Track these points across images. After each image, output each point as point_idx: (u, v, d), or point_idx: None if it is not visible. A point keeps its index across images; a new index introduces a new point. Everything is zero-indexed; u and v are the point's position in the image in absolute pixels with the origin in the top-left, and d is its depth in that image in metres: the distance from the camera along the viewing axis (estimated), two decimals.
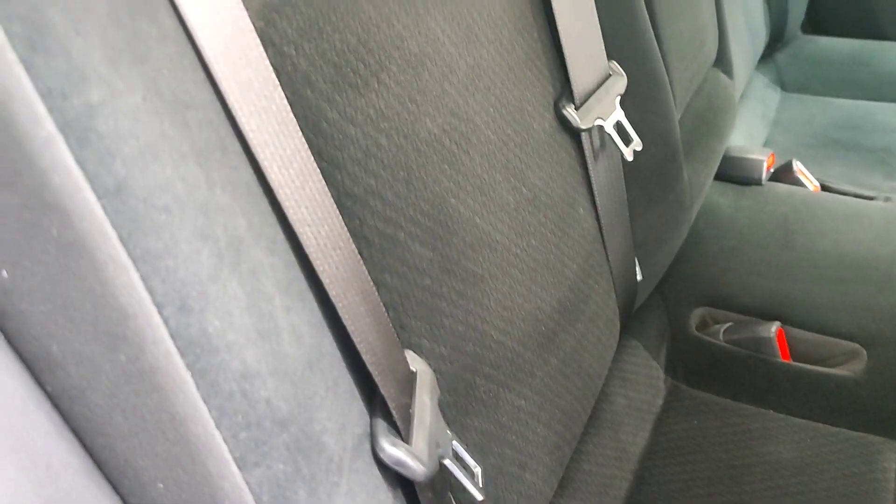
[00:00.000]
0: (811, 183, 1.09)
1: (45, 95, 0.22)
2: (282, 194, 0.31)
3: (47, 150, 0.22)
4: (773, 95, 1.47)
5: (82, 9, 0.23)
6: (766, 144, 1.33)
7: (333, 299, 0.34)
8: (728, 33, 0.99)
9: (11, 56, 0.21)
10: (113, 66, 0.24)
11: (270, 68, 0.33)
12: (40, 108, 0.22)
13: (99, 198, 0.23)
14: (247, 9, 0.37)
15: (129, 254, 0.24)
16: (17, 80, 0.21)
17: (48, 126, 0.22)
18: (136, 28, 0.25)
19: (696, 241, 0.91)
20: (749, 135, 1.29)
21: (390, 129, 0.46)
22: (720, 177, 1.03)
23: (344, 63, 0.43)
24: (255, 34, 0.32)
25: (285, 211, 0.31)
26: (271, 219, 0.31)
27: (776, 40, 1.50)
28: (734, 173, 1.04)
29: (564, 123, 0.65)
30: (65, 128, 0.22)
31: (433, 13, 0.50)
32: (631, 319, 0.80)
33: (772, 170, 1.07)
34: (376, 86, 0.45)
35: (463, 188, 0.52)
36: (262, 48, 0.33)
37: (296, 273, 0.33)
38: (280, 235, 0.32)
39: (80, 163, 0.23)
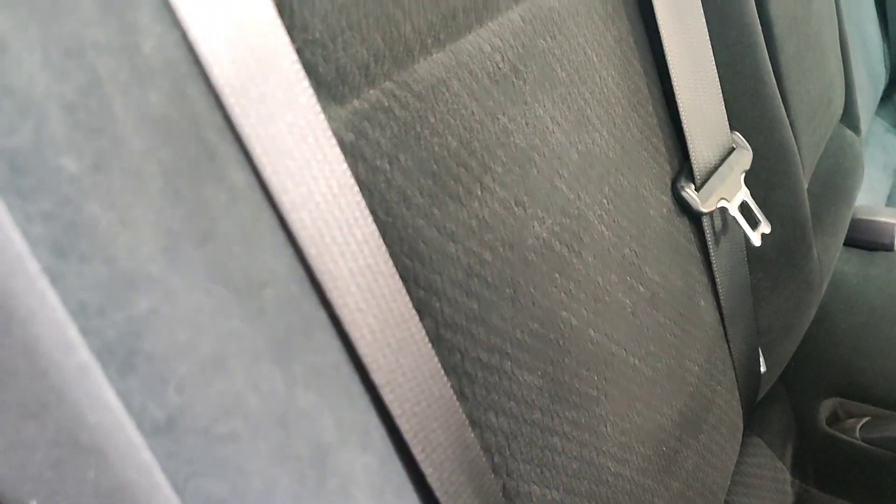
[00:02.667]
0: None
1: (78, 313, 0.17)
2: (379, 377, 0.25)
3: (80, 382, 0.17)
4: (895, 141, 1.35)
5: (131, 190, 0.18)
6: (890, 198, 1.21)
7: (436, 492, 0.28)
8: (854, 85, 0.90)
9: (33, 267, 0.16)
10: (168, 258, 0.18)
11: (364, 206, 0.27)
12: (71, 331, 0.17)
13: (146, 437, 0.18)
14: (333, 120, 0.32)
15: (186, 503, 0.19)
16: (40, 296, 0.16)
17: (81, 353, 0.17)
18: (200, 198, 0.20)
19: (822, 317, 0.81)
20: (871, 187, 1.18)
21: (494, 240, 0.40)
22: (845, 241, 0.93)
23: (444, 171, 0.37)
24: (344, 167, 0.27)
25: (382, 394, 0.26)
26: (363, 404, 0.26)
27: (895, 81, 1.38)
28: (860, 237, 0.94)
29: (684, 206, 0.57)
30: (103, 353, 0.17)
31: (541, 99, 0.44)
32: (752, 414, 0.71)
33: None
34: (479, 192, 0.39)
35: (575, 298, 0.45)
36: (352, 182, 0.27)
37: (393, 466, 0.27)
38: (374, 422, 0.26)
39: (123, 396, 0.17)
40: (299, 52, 0.31)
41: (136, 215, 0.18)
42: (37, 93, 0.16)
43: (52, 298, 0.16)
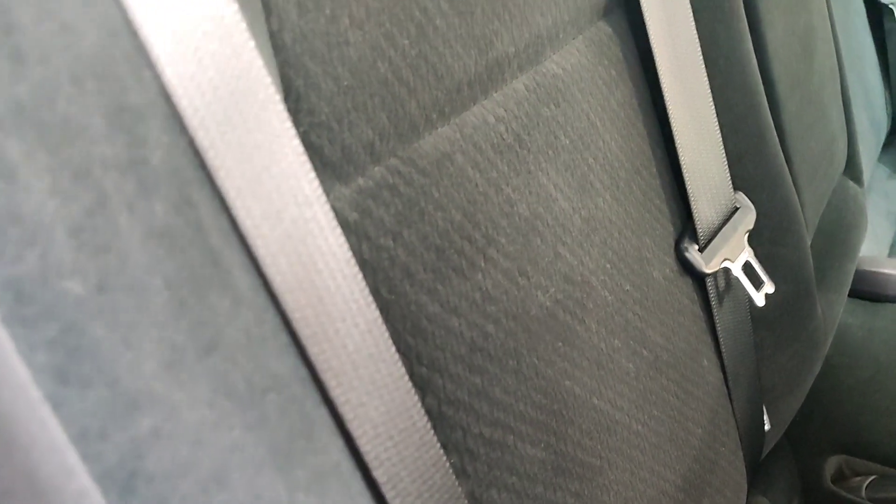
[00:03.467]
0: None
1: (79, 439, 0.17)
2: (381, 474, 0.25)
3: None
4: None
5: (134, 308, 0.18)
6: (893, 246, 1.21)
7: None
8: (856, 136, 0.90)
9: (36, 395, 0.16)
10: (171, 374, 0.18)
11: (367, 294, 0.27)
12: (71, 457, 0.16)
13: None
14: (338, 200, 0.32)
15: None
16: (41, 423, 0.16)
17: (81, 478, 0.17)
18: (204, 307, 0.20)
19: (826, 372, 0.81)
20: (874, 235, 1.17)
21: (498, 312, 0.40)
22: (849, 292, 0.93)
23: (448, 245, 0.37)
24: (349, 256, 0.27)
25: (384, 491, 0.25)
26: (364, 502, 0.25)
27: None
28: (864, 288, 0.94)
29: (687, 266, 0.57)
30: (103, 477, 0.17)
31: (545, 168, 0.45)
32: (756, 473, 0.71)
33: None
34: (483, 264, 0.39)
35: (578, 366, 0.45)
36: (356, 270, 0.27)
37: None
38: None
39: None
40: (305, 135, 0.31)
41: (139, 333, 0.18)
42: (44, 219, 0.16)
43: (54, 425, 0.16)
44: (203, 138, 0.21)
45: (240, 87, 0.24)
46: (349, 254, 0.27)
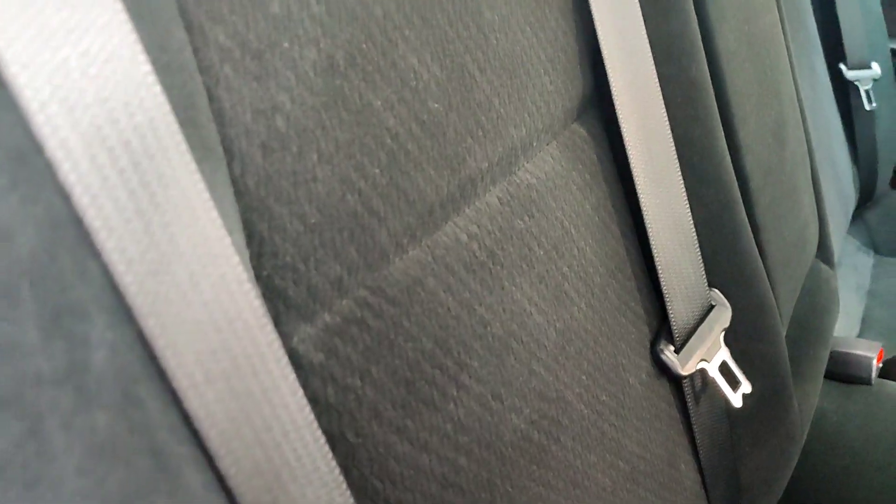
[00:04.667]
0: None
1: None
2: None
3: None
4: (866, 260, 1.36)
5: None
6: (864, 322, 1.21)
7: None
8: (827, 218, 0.91)
9: None
10: None
11: (336, 470, 0.25)
12: None
13: None
14: (302, 342, 0.30)
15: None
16: None
17: None
18: None
19: (801, 460, 0.80)
20: (845, 311, 1.18)
21: (470, 442, 0.38)
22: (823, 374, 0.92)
23: (418, 376, 0.36)
24: (317, 432, 0.25)
25: None
26: None
27: (865, 199, 1.41)
28: (837, 370, 0.93)
29: (663, 369, 0.56)
30: None
31: (519, 282, 0.43)
32: None
33: (880, 364, 0.95)
34: (455, 392, 0.38)
35: (553, 488, 0.43)
36: (324, 446, 0.25)
37: None
38: None
39: None
40: (268, 279, 0.29)
41: None
42: None
43: None
44: (153, 328, 0.19)
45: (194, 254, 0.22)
46: (318, 432, 0.25)
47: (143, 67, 0.22)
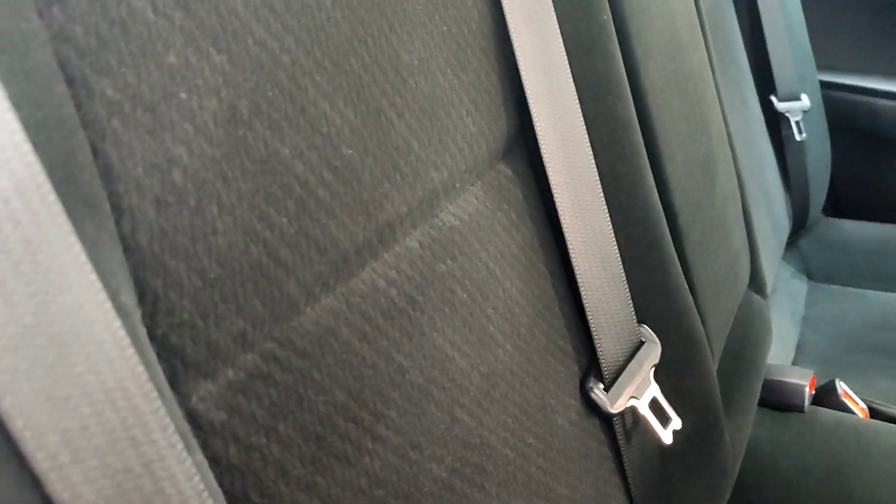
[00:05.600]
0: (857, 407, 0.99)
1: None
2: None
3: None
4: (801, 287, 1.39)
5: None
6: (798, 348, 1.24)
7: None
8: (759, 249, 0.92)
9: None
10: None
11: None
12: None
13: None
14: (202, 400, 0.29)
15: None
16: None
17: None
18: None
19: (735, 491, 0.80)
20: (780, 338, 1.20)
21: (387, 496, 0.37)
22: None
23: (330, 431, 0.35)
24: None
25: None
26: None
27: (799, 226, 1.44)
28: (771, 398, 0.94)
29: (593, 407, 0.56)
30: None
31: (441, 327, 0.43)
32: None
33: (813, 391, 0.97)
34: (370, 445, 0.37)
35: None
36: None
37: None
38: None
39: None
40: (163, 337, 0.28)
41: None
42: None
43: None
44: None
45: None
46: (210, 501, 0.24)
47: (10, 126, 0.20)
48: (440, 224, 0.45)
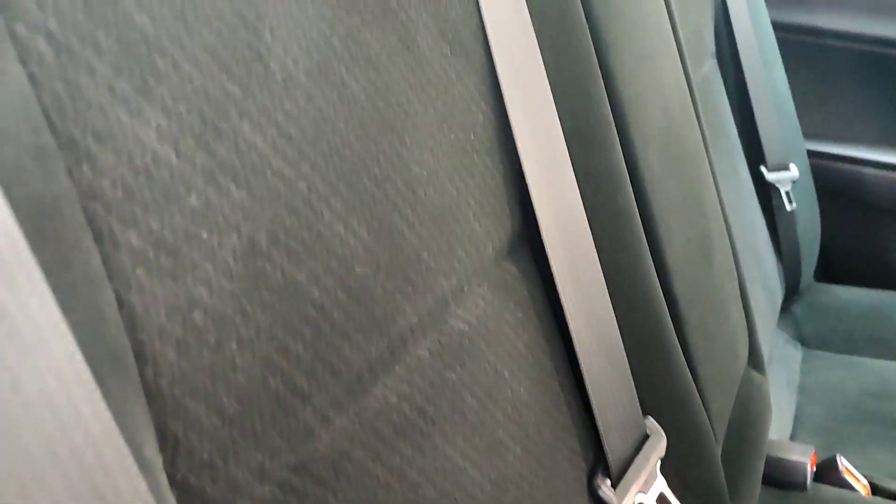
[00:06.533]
0: (859, 483, 0.98)
1: None
2: None
3: None
4: (795, 354, 1.39)
5: None
6: (796, 420, 1.23)
7: None
8: (756, 325, 0.93)
9: None
10: None
11: None
12: None
13: None
14: None
15: None
16: None
17: None
18: None
19: None
20: (777, 408, 1.19)
21: None
22: None
23: None
24: None
25: None
26: None
27: (792, 292, 1.45)
28: (772, 474, 0.94)
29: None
30: None
31: (451, 437, 0.42)
32: None
33: (815, 468, 0.96)
34: None
35: None
36: None
37: None
38: None
39: None
40: (183, 480, 0.28)
41: None
42: None
43: None
44: None
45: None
46: None
47: (49, 309, 0.21)
48: (449, 330, 0.45)
